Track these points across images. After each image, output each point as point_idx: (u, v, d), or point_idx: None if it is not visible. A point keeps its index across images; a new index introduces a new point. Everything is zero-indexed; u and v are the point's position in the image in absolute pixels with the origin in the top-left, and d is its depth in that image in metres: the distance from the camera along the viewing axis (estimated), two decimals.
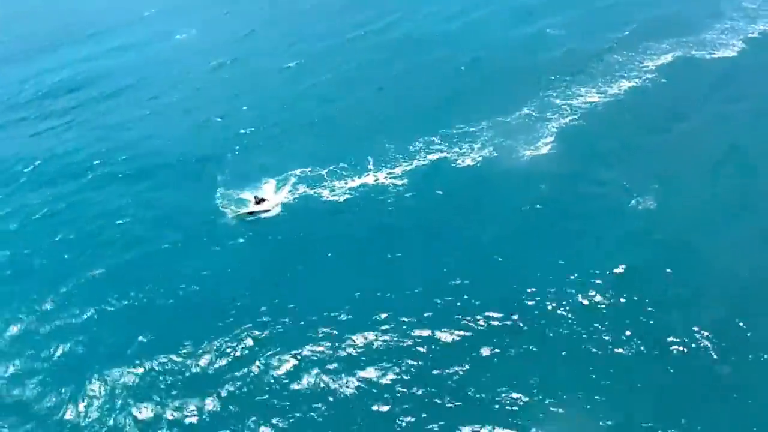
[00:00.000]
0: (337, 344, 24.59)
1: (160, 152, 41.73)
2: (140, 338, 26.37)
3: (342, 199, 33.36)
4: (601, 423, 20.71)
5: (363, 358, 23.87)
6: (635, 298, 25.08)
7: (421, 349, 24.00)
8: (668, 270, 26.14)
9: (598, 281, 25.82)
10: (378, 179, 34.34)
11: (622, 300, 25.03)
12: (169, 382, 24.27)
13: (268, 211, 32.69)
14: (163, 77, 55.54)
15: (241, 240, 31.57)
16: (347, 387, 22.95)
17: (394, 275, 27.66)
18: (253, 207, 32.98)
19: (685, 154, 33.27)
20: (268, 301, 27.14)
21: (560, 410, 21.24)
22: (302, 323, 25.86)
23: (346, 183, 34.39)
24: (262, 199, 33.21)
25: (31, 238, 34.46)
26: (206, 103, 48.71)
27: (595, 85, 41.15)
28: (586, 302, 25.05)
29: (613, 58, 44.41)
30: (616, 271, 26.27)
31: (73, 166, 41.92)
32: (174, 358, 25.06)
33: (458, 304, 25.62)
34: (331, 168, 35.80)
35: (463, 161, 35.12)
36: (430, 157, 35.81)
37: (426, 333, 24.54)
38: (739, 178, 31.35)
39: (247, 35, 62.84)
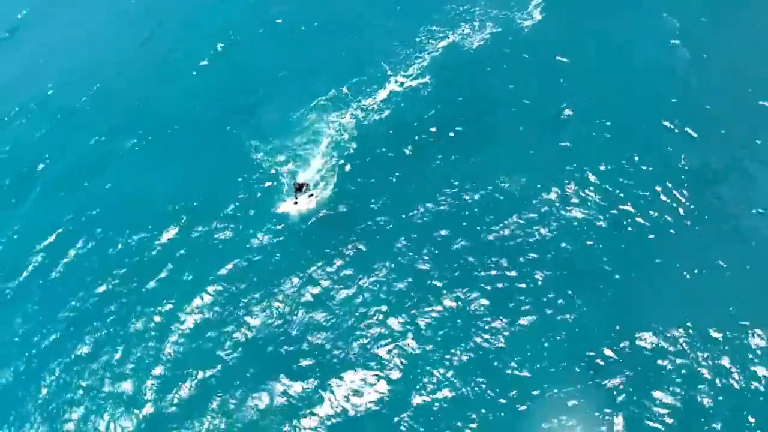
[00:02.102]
0: None
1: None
2: None
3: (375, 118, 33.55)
4: None
5: None
6: None
7: None
8: None
9: None
10: (403, 83, 35.06)
11: None
12: None
13: (310, 195, 30.30)
14: None
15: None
16: None
17: None
18: (298, 200, 30.21)
19: None
20: None
21: None
22: None
23: (374, 98, 34.22)
24: (301, 185, 30.49)
25: None
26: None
27: None
28: None
29: None
30: None
31: None
32: None
33: None
34: (352, 85, 35.31)
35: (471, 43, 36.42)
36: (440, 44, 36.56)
37: None
38: None
39: None
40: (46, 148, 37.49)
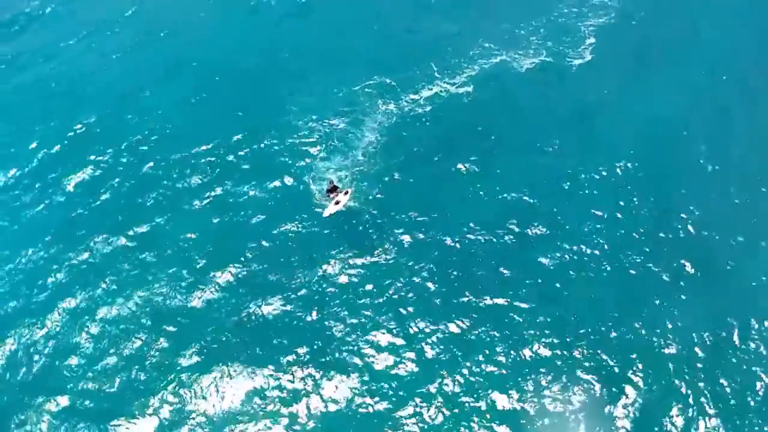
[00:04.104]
0: None
1: None
2: None
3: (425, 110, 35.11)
4: None
5: None
6: None
7: None
8: None
9: None
10: (448, 89, 36.36)
11: None
12: None
13: (346, 193, 30.29)
14: None
15: None
16: None
17: None
18: (333, 205, 30.10)
19: None
20: None
21: None
22: None
23: (419, 95, 35.58)
24: (335, 187, 30.41)
25: None
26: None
27: None
28: None
29: None
30: None
31: None
32: None
33: None
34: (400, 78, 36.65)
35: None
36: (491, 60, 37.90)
37: None
38: None
39: None
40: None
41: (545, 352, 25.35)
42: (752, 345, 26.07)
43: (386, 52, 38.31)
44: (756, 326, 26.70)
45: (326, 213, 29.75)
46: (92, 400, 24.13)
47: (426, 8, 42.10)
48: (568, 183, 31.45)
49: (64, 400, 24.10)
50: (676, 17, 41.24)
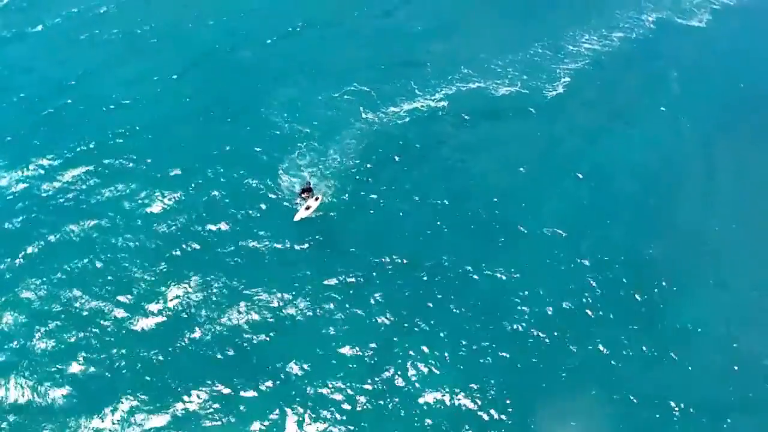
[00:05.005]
0: None
1: None
2: None
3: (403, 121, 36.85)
4: None
5: None
6: None
7: None
8: None
9: None
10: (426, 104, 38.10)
11: None
12: None
13: (317, 199, 31.13)
14: None
15: None
16: None
17: None
18: (303, 210, 30.88)
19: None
20: None
21: None
22: None
23: (401, 107, 37.52)
24: (309, 188, 31.15)
25: None
26: None
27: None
28: None
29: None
30: None
31: None
32: None
33: None
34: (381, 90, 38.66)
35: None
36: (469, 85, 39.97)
37: None
38: None
39: None
40: None
41: None
42: None
43: (368, 66, 40.45)
44: None
45: (297, 217, 30.55)
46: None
47: (409, 33, 44.58)
48: (527, 200, 32.94)
49: None
50: (645, 67, 43.73)
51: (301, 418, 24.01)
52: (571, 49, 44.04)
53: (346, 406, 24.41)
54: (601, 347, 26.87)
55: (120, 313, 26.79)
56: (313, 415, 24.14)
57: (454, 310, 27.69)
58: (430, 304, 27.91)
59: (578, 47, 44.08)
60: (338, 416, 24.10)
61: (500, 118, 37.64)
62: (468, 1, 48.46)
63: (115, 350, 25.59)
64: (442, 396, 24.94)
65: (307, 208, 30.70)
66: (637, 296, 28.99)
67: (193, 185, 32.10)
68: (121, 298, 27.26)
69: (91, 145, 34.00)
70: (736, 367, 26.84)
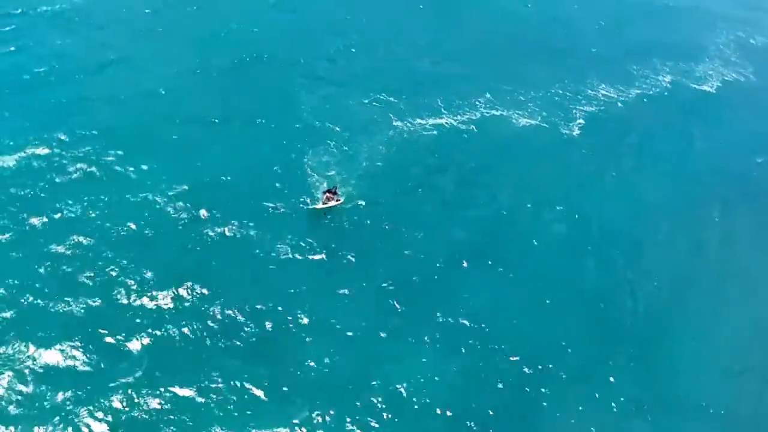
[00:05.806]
0: None
1: None
2: None
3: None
4: None
5: None
6: None
7: None
8: None
9: None
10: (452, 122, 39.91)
11: None
12: None
13: (338, 200, 32.05)
14: None
15: None
16: None
17: None
18: (321, 204, 31.79)
19: None
20: None
21: None
22: None
23: (426, 121, 39.19)
24: (335, 191, 32.11)
25: None
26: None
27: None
28: None
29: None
30: None
31: None
32: None
33: None
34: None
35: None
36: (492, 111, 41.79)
37: None
38: None
39: None
40: None
41: None
42: None
43: (398, 78, 42.48)
44: None
45: (315, 206, 31.54)
46: None
47: (440, 57, 46.45)
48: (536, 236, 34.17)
49: None
50: (664, 116, 45.82)
51: (305, 418, 24.07)
52: (590, 93, 46.09)
53: (352, 407, 24.72)
54: None
55: (131, 300, 26.53)
56: (320, 415, 24.25)
57: (462, 321, 28.48)
58: (438, 314, 28.70)
59: (596, 92, 46.14)
60: (347, 417, 24.37)
61: (520, 146, 39.47)
62: (495, 38, 50.67)
63: (123, 335, 25.27)
64: (446, 403, 25.60)
65: (325, 202, 31.65)
66: None
67: (218, 179, 32.57)
68: (133, 285, 27.00)
69: (125, 130, 34.44)
70: None
